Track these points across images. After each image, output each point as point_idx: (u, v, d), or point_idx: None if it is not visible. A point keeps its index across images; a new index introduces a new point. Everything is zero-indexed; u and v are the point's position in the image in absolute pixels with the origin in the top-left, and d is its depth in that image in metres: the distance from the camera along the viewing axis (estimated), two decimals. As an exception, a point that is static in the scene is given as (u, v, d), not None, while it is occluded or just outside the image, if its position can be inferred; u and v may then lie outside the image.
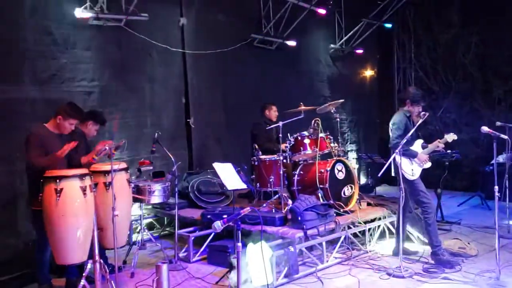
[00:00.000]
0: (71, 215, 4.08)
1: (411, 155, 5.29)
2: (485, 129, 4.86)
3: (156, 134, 5.77)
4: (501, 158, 7.60)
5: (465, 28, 10.24)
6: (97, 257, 4.43)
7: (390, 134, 5.42)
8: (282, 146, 6.17)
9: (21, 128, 5.67)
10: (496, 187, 4.71)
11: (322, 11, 8.92)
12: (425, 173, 5.44)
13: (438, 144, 5.43)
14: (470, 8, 10.06)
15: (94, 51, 6.77)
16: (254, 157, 6.36)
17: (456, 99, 10.53)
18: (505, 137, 4.86)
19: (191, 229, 6.07)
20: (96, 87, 6.79)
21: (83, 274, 4.33)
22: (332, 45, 10.33)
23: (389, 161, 4.98)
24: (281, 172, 6.04)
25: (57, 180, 4.05)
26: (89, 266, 4.38)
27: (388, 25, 10.73)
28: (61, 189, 4.05)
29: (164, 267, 4.36)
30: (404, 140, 5.00)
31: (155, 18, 7.24)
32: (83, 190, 4.14)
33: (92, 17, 6.52)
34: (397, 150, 5.00)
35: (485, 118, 9.41)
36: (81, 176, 4.17)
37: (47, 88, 6.20)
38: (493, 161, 5.42)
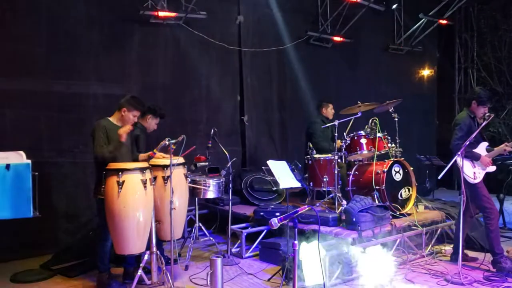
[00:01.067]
0: (131, 207, 4.21)
1: (474, 157, 5.09)
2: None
3: (212, 130, 5.88)
4: None
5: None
6: (154, 249, 4.57)
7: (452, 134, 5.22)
8: (338, 142, 6.10)
9: (85, 122, 5.95)
10: None
11: (380, 8, 8.76)
12: (488, 177, 5.21)
13: (505, 148, 5.17)
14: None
15: (154, 48, 6.96)
16: (308, 156, 6.32)
17: (521, 100, 10.06)
18: None
19: (243, 225, 6.12)
20: (155, 83, 7.00)
21: (140, 265, 4.47)
22: (390, 43, 10.09)
23: (450, 163, 4.80)
24: (336, 172, 5.97)
25: (119, 173, 4.19)
26: (146, 257, 4.52)
27: (443, 21, 10.24)
28: (123, 182, 4.18)
29: (219, 261, 4.41)
30: (467, 142, 4.81)
31: (213, 16, 7.35)
32: (144, 183, 4.26)
33: (153, 15, 6.69)
34: (459, 152, 4.81)
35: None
36: (142, 170, 4.30)
37: (109, 84, 6.44)
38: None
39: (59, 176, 6.01)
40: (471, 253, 5.59)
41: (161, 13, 6.69)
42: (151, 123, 5.41)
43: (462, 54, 11.36)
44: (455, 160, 4.87)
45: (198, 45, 7.40)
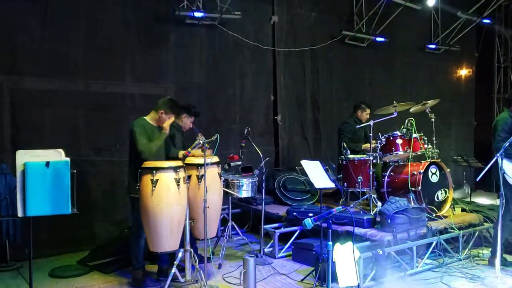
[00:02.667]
0: (165, 205, 4.27)
1: None
2: None
3: (246, 130, 5.90)
4: None
5: None
6: (188, 247, 4.61)
7: (493, 134, 5.08)
8: (367, 145, 6.05)
9: (122, 121, 6.07)
10: None
11: (417, 7, 8.63)
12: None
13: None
14: None
15: (189, 48, 7.04)
16: (342, 156, 6.26)
17: None
18: None
19: (276, 225, 6.11)
20: (190, 83, 7.07)
21: (174, 263, 4.52)
22: (427, 43, 9.89)
23: (489, 165, 4.66)
24: (370, 173, 5.89)
25: (154, 171, 4.25)
26: (180, 254, 4.56)
27: (487, 21, 9.92)
28: (157, 180, 4.25)
29: (252, 261, 4.43)
30: (507, 144, 4.67)
31: (247, 16, 7.38)
32: (177, 181, 4.32)
33: (189, 15, 6.76)
34: (498, 154, 4.68)
35: None
36: (176, 168, 4.35)
37: (146, 84, 6.55)
38: None
39: (97, 174, 6.15)
40: (510, 258, 5.43)
41: (196, 14, 6.75)
42: (186, 122, 5.47)
43: (502, 53, 11.05)
44: (495, 161, 4.73)
45: (232, 45, 7.44)
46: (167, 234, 4.34)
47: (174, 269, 4.49)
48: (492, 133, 5.18)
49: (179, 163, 4.52)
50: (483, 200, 7.91)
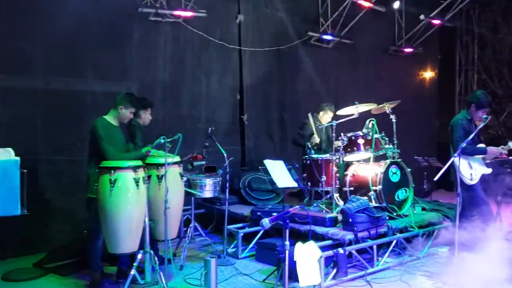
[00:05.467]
0: (123, 205, 4.19)
1: (481, 153, 5.06)
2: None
3: (210, 129, 5.86)
4: None
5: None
6: (148, 248, 4.54)
7: (451, 135, 5.20)
8: (316, 138, 6.44)
9: (82, 120, 5.92)
10: None
11: (381, 9, 8.76)
12: (484, 180, 5.17)
13: (501, 151, 5.15)
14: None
15: (153, 46, 6.94)
16: (307, 156, 6.29)
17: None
18: None
19: (240, 225, 6.08)
20: (154, 81, 6.98)
21: (134, 264, 4.43)
22: (390, 45, 10.05)
23: (447, 164, 4.74)
24: (333, 172, 5.94)
25: (112, 171, 4.17)
26: (139, 256, 4.48)
27: (436, 21, 10.04)
28: (115, 180, 4.16)
29: (213, 262, 4.39)
30: (464, 144, 4.77)
31: (213, 15, 7.33)
32: (136, 181, 4.24)
33: (153, 12, 6.66)
34: (455, 154, 4.76)
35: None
36: (135, 168, 4.27)
37: (107, 81, 6.41)
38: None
39: (56, 173, 5.99)
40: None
41: (160, 11, 6.66)
42: (146, 117, 5.43)
43: (463, 56, 11.33)
44: (453, 161, 4.82)
45: (198, 43, 7.39)
46: (125, 236, 4.26)
47: (133, 271, 4.40)
48: (449, 134, 5.29)
49: (139, 162, 4.43)
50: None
